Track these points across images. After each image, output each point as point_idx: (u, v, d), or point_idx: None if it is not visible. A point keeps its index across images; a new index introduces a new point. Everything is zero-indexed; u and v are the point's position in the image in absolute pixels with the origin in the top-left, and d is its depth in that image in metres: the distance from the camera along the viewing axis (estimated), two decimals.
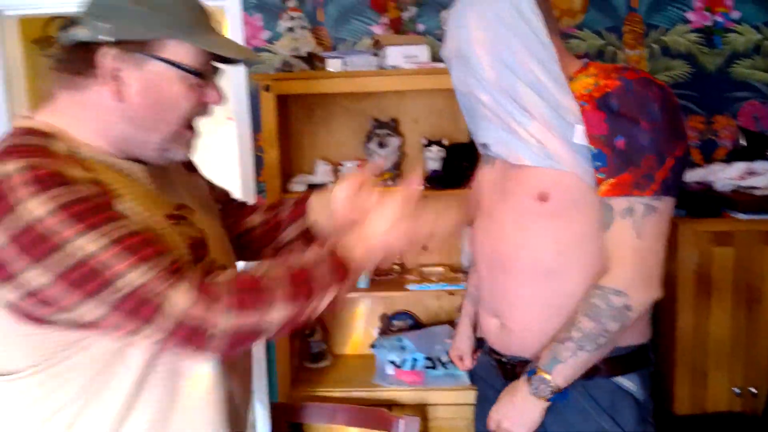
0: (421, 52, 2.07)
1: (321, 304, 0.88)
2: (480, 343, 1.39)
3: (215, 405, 0.96)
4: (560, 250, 1.11)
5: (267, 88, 2.01)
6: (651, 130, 1.00)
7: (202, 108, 0.94)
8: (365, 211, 0.99)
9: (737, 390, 2.07)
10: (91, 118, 0.88)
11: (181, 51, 0.87)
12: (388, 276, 2.24)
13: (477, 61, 1.09)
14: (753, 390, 2.06)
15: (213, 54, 0.91)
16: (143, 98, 0.87)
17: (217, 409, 0.96)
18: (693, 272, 2.07)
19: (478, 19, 1.08)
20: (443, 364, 2.00)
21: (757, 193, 2.02)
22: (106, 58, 0.84)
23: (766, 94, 2.34)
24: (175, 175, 1.05)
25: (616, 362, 1.14)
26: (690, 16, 2.32)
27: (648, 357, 1.20)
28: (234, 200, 1.25)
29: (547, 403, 1.10)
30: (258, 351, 2.34)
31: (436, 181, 2.12)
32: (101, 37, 0.82)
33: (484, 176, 1.27)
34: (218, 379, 0.95)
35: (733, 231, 2.04)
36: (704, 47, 2.33)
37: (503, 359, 1.24)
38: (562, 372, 1.08)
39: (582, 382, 1.12)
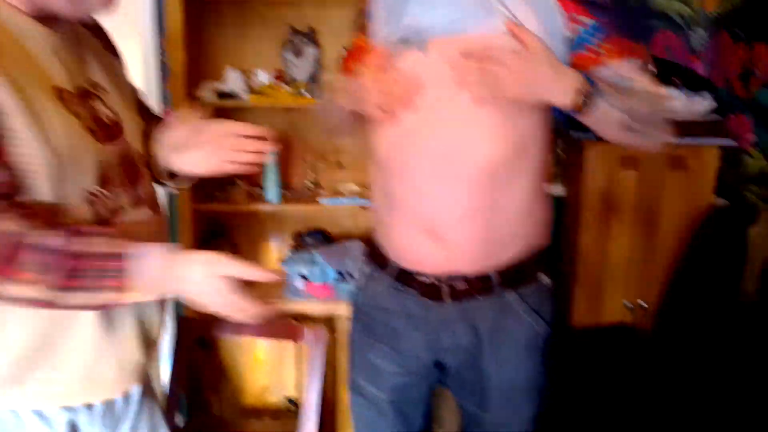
0: None
1: (78, 302, 0.82)
2: (379, 269, 1.23)
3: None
4: (511, 148, 1.04)
5: None
6: None
7: None
8: (198, 138, 1.02)
9: (629, 304, 2.20)
10: None
11: None
12: (300, 191, 2.20)
13: None
14: (643, 304, 2.20)
15: None
16: None
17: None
18: (598, 193, 2.14)
19: None
20: (353, 278, 2.00)
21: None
22: None
23: (679, 25, 2.39)
24: (94, 55, 0.97)
25: (539, 261, 1.18)
26: None
27: (549, 249, 1.26)
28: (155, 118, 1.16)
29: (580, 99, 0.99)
30: None
31: None
32: None
33: (415, 66, 1.06)
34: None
35: (638, 155, 2.12)
36: None
37: (428, 280, 1.14)
38: (603, 103, 1.00)
39: (518, 290, 1.15)
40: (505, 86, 0.96)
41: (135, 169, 0.98)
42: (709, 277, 1.95)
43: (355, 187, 2.17)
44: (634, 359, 2.00)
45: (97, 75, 0.96)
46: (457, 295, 1.13)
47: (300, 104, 2.10)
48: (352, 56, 1.19)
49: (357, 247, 2.11)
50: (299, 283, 2.00)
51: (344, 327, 2.00)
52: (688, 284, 2.04)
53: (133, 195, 0.97)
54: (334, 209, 2.13)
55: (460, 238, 1.09)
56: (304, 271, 1.97)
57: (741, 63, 2.22)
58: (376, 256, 1.23)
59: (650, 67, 2.25)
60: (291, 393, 2.18)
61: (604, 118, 1.01)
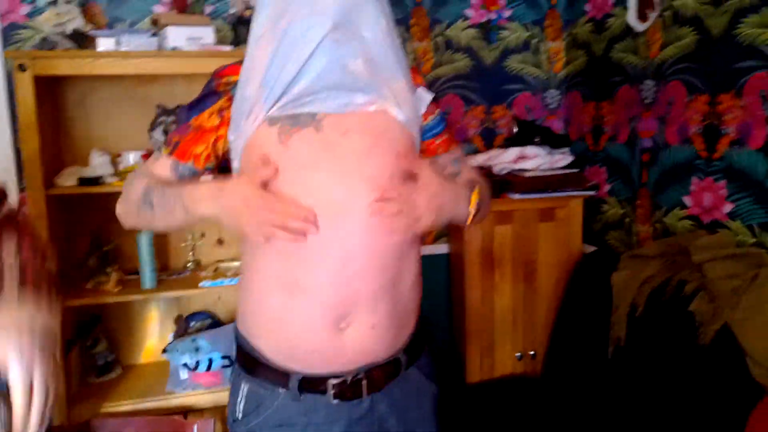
0: (206, 34, 1.95)
1: None
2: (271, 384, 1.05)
3: None
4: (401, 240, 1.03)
5: (22, 68, 1.75)
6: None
7: None
8: None
9: (519, 354, 2.28)
10: None
11: None
12: (180, 274, 2.09)
13: (369, 16, 0.99)
14: (532, 353, 2.28)
15: None
16: None
17: None
18: (478, 250, 2.23)
19: None
20: None
21: (528, 174, 2.22)
22: None
23: (535, 86, 2.60)
24: None
25: (413, 350, 1.10)
26: (469, 12, 2.49)
27: (427, 330, 1.19)
28: None
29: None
30: None
31: (227, 170, 2.01)
32: None
33: (305, 144, 0.98)
34: None
35: (511, 210, 2.24)
36: (483, 42, 2.52)
37: (341, 379, 1.02)
38: (481, 211, 1.10)
39: (416, 363, 1.10)
40: (419, 221, 1.00)
41: None
42: (584, 323, 2.06)
43: (237, 264, 2.10)
44: (527, 407, 2.05)
45: None
46: (374, 387, 1.05)
47: None
48: (197, 133, 1.08)
49: None
50: (184, 373, 1.87)
51: None
52: (568, 330, 2.15)
53: None
54: (218, 289, 2.04)
55: (373, 322, 1.02)
56: (188, 360, 1.86)
57: (592, 120, 2.44)
58: (262, 370, 1.06)
59: (514, 128, 2.42)
60: None
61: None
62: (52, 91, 2.00)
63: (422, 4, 2.43)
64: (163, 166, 1.08)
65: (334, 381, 1.02)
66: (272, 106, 0.99)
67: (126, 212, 1.10)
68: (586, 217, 2.34)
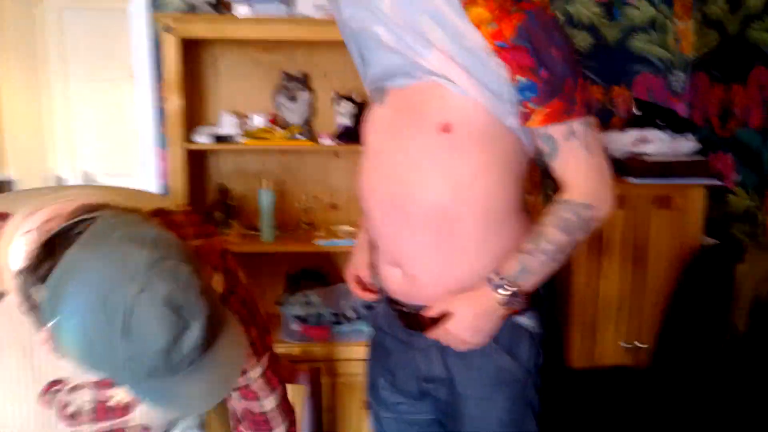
0: None
1: None
2: (380, 293, 1.34)
3: None
4: (456, 188, 1.08)
5: (168, 29, 1.88)
6: (561, 56, 1.03)
7: None
8: None
9: (626, 344, 2.22)
10: None
11: None
12: (295, 232, 2.20)
13: None
14: (639, 344, 2.21)
15: None
16: None
17: None
18: None
19: None
20: (349, 320, 1.99)
21: (648, 159, 2.14)
22: None
23: (658, 67, 2.48)
24: None
25: None
26: None
27: (540, 297, 1.22)
28: None
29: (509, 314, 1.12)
30: None
31: (346, 137, 2.09)
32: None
33: (375, 117, 1.19)
34: None
35: (626, 194, 2.17)
36: (605, 19, 2.43)
37: (405, 309, 1.19)
38: (532, 283, 1.09)
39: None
40: (465, 344, 1.12)
41: None
42: (699, 315, 1.97)
43: (349, 228, 2.18)
44: (633, 399, 2.00)
45: None
46: (426, 327, 1.15)
47: (294, 146, 2.12)
48: None
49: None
50: (295, 325, 1.98)
51: (343, 370, 1.98)
52: (682, 322, 2.07)
53: None
54: (328, 250, 2.13)
55: (420, 272, 1.14)
56: (300, 312, 1.96)
57: (720, 103, 2.30)
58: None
59: (635, 110, 2.33)
60: None
61: (541, 271, 1.10)
62: (189, 53, 2.14)
63: None
64: None
65: (398, 307, 1.20)
66: None
67: None
68: (706, 206, 2.22)
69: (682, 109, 2.50)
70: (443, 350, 1.16)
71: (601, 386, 2.08)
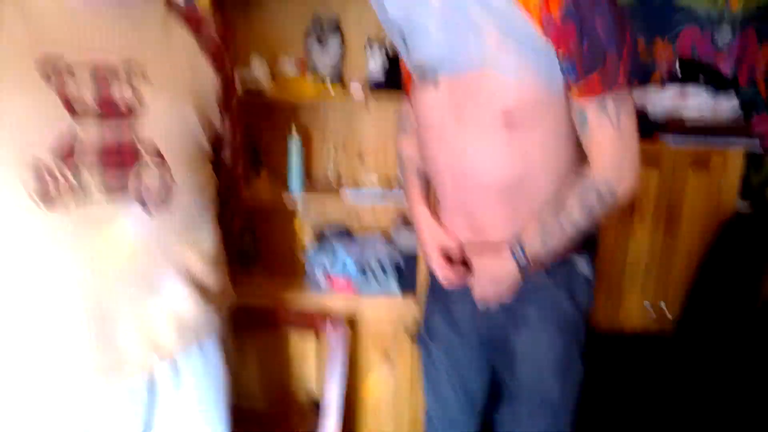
0: None
1: None
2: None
3: None
4: (525, 161, 1.12)
5: None
6: (605, 26, 1.00)
7: None
8: None
9: (649, 306, 2.20)
10: None
11: None
12: (321, 183, 2.17)
13: None
14: (663, 306, 2.19)
15: None
16: None
17: None
18: None
19: None
20: (373, 271, 1.99)
21: (688, 119, 2.07)
22: None
23: (704, 21, 2.37)
24: (160, 41, 1.01)
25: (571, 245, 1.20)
26: None
27: (595, 241, 1.28)
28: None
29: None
30: None
31: (378, 85, 2.03)
32: None
33: (429, 101, 1.20)
34: None
35: (661, 154, 2.11)
36: None
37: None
38: (543, 258, 1.15)
39: (546, 268, 1.20)
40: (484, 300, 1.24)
41: (126, 157, 0.93)
42: (729, 281, 1.94)
43: (375, 180, 2.15)
44: (657, 366, 2.00)
45: (144, 56, 0.96)
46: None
47: (322, 98, 2.07)
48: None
49: (378, 242, 2.10)
50: (321, 277, 1.99)
51: (366, 321, 2.00)
52: (709, 288, 2.04)
53: (112, 182, 0.92)
54: (354, 203, 2.11)
55: (492, 236, 1.20)
56: (325, 261, 1.96)
57: (767, 63, 2.20)
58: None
59: (676, 66, 2.23)
60: (313, 390, 2.18)
61: (555, 248, 1.15)
62: None
63: None
64: None
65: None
66: None
67: None
68: (745, 170, 2.16)
69: (727, 67, 2.40)
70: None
71: (625, 353, 2.08)
